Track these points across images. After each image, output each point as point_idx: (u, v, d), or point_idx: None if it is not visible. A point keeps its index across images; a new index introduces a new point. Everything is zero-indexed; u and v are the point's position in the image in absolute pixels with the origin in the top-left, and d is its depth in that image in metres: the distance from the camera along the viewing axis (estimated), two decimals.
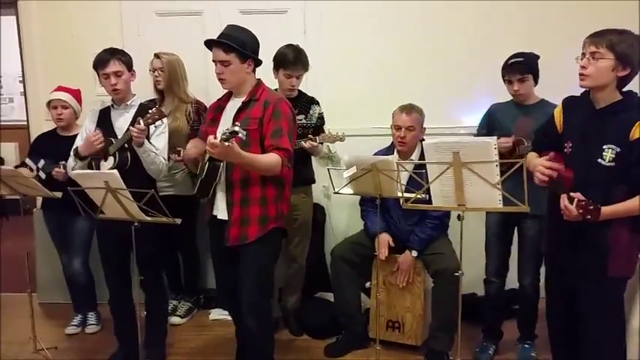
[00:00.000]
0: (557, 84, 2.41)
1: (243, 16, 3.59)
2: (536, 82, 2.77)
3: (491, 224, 2.93)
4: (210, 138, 2.10)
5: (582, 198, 1.90)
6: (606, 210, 1.91)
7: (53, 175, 2.97)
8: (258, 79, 2.45)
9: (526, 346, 2.92)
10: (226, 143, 2.04)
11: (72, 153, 2.74)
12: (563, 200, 1.94)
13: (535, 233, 2.75)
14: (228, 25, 2.40)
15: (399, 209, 2.81)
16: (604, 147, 1.99)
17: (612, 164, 1.97)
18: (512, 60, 2.75)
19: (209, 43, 2.36)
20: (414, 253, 2.91)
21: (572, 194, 1.92)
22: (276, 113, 2.31)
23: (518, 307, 3.02)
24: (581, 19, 3.22)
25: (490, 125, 2.90)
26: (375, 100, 3.55)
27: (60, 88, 3.25)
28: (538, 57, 2.77)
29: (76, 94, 3.27)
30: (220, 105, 2.48)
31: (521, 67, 2.71)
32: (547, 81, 2.80)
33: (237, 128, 2.01)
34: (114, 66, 2.60)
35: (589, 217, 1.88)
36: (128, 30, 3.69)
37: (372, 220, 2.98)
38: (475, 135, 2.96)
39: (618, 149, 1.96)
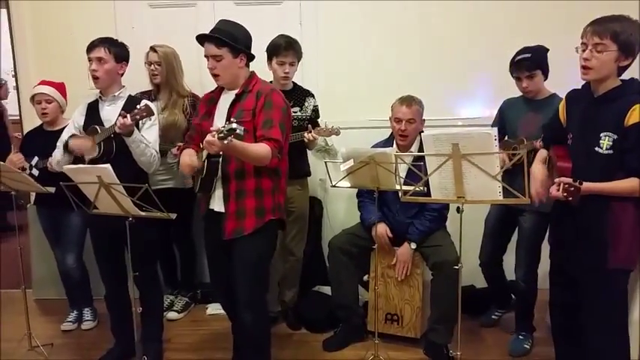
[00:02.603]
0: (562, 76, 2.36)
1: (238, 7, 3.55)
2: (546, 76, 2.72)
3: (490, 218, 3.00)
4: (209, 137, 2.07)
5: (567, 181, 1.89)
6: (589, 187, 1.91)
7: (48, 168, 2.93)
8: (252, 72, 2.42)
9: (520, 337, 2.92)
10: (225, 141, 2.01)
11: (60, 145, 2.69)
12: (552, 189, 1.94)
13: (531, 226, 2.77)
14: (220, 20, 2.37)
15: (398, 202, 2.79)
16: (601, 135, 1.97)
17: (610, 152, 1.96)
18: (520, 56, 2.69)
19: (201, 38, 2.32)
20: (413, 246, 2.89)
21: (557, 180, 1.92)
22: (267, 104, 2.29)
23: (515, 300, 3.05)
24: (584, 12, 3.17)
25: (501, 122, 2.89)
26: (372, 91, 3.52)
27: (43, 82, 3.18)
28: (547, 50, 2.70)
29: (60, 88, 3.21)
30: (213, 97, 2.45)
31: (529, 63, 2.65)
32: (556, 74, 2.76)
33: (234, 125, 1.98)
34: (98, 52, 2.58)
35: (570, 198, 1.87)
36: (121, 22, 3.64)
37: (367, 210, 2.95)
38: None
39: (615, 136, 1.95)
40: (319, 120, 3.17)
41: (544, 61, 2.69)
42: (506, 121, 2.86)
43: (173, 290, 3.56)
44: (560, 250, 2.21)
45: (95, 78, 2.61)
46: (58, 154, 2.70)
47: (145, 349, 2.59)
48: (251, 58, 2.39)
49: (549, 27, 3.34)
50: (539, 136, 2.57)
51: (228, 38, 2.26)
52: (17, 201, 2.92)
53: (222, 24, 2.34)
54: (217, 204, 2.37)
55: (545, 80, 2.74)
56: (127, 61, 2.71)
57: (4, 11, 3.79)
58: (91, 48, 2.60)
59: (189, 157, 2.35)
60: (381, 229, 2.93)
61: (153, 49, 3.22)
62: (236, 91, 2.36)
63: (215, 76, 2.34)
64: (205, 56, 2.32)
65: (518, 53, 2.71)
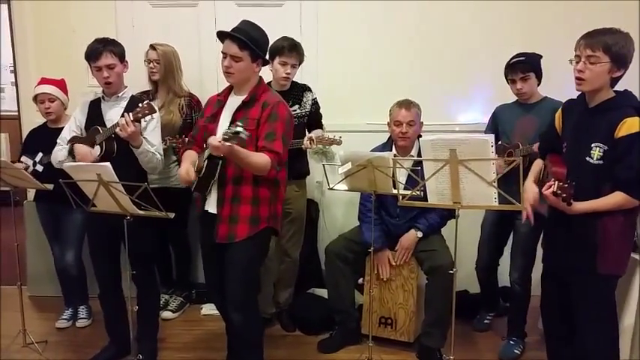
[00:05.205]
0: (558, 83, 2.40)
1: (239, 8, 3.56)
2: (539, 80, 2.80)
3: (486, 223, 3.03)
4: (212, 140, 2.10)
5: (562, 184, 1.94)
6: (578, 207, 1.97)
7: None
8: (260, 77, 2.43)
9: (511, 342, 2.95)
10: (227, 143, 2.02)
11: (61, 143, 2.69)
12: (544, 188, 1.98)
13: (527, 230, 2.78)
14: (243, 20, 2.36)
15: (397, 206, 2.79)
16: (592, 145, 2.01)
17: (600, 162, 2.00)
18: (515, 59, 2.78)
19: (224, 36, 2.31)
20: (419, 234, 2.90)
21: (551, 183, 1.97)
22: (273, 115, 2.30)
23: (508, 304, 3.07)
24: (583, 16, 3.20)
25: (495, 126, 2.95)
26: (370, 96, 3.54)
27: (44, 81, 3.18)
28: (540, 56, 2.80)
29: (61, 85, 3.20)
30: (220, 100, 2.45)
31: (523, 65, 2.74)
32: (551, 80, 2.81)
33: (239, 129, 1.99)
34: (106, 59, 2.55)
35: (564, 194, 1.92)
36: (122, 21, 3.64)
37: (368, 229, 2.83)
38: None
39: (606, 147, 1.98)
40: (322, 122, 3.17)
41: (538, 65, 2.78)
42: (501, 125, 2.91)
43: (168, 290, 3.56)
44: (553, 254, 2.24)
45: (108, 84, 2.60)
46: (60, 155, 2.68)
47: (139, 348, 2.59)
48: (265, 63, 2.40)
49: (549, 34, 3.37)
50: (535, 138, 2.64)
51: (252, 43, 2.26)
52: (14, 197, 2.92)
53: (247, 25, 2.33)
54: (212, 206, 2.38)
55: (538, 85, 2.81)
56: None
57: (4, 6, 3.78)
58: (96, 56, 2.55)
59: (186, 171, 2.33)
60: (384, 258, 2.95)
61: (152, 47, 3.24)
62: (243, 98, 2.36)
63: (228, 74, 2.33)
64: (223, 53, 2.31)
65: (513, 57, 2.80)
